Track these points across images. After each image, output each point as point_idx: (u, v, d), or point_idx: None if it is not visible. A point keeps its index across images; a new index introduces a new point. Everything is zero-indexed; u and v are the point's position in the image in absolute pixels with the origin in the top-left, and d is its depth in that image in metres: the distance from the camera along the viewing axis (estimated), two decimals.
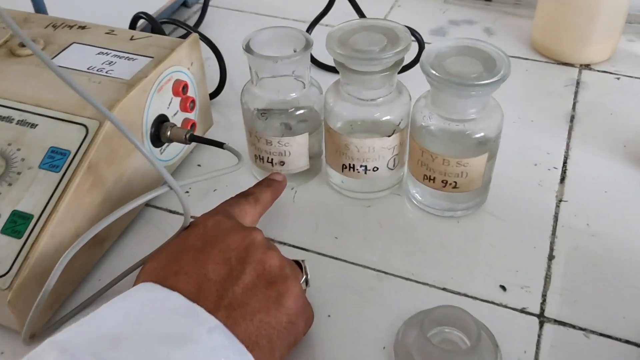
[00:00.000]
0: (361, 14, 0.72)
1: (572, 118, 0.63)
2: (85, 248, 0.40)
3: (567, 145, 0.60)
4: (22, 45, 0.51)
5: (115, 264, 0.49)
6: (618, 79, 0.69)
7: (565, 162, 0.58)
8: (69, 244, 0.41)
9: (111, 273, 0.48)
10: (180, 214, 0.53)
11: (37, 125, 0.46)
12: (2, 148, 0.45)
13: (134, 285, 0.38)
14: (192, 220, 0.43)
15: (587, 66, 0.70)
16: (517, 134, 0.60)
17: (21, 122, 0.46)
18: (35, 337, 0.42)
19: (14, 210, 0.42)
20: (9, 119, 0.46)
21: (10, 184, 0.43)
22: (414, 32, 0.66)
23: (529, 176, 0.56)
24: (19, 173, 0.44)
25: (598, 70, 0.70)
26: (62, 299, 0.45)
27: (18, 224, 0.42)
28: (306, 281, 0.43)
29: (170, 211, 0.54)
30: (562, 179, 0.56)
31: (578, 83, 0.68)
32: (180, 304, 0.35)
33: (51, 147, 0.45)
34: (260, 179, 0.52)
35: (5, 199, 0.43)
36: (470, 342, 0.40)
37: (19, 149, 0.45)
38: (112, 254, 0.50)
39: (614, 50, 0.71)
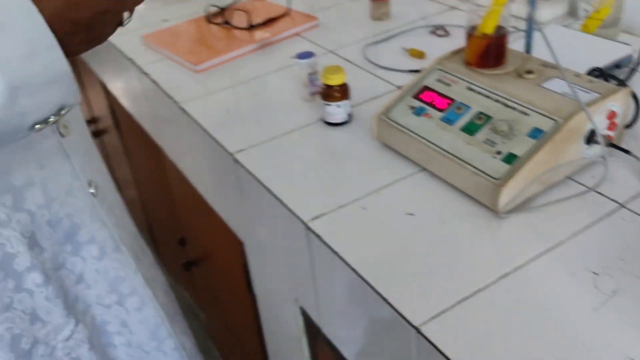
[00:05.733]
0: None
1: None
2: None
3: None
4: (528, 72, 0.92)
5: None
6: None
7: None
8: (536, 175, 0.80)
9: None
10: None
11: (528, 115, 0.86)
12: (509, 123, 0.86)
13: None
14: None
15: None
16: None
17: (520, 111, 0.87)
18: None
19: (509, 152, 0.83)
20: (512, 108, 0.87)
21: (509, 139, 0.84)
22: None
23: None
24: (514, 136, 0.84)
25: None
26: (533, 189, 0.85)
27: (511, 158, 0.83)
28: None
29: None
30: None
31: None
32: None
33: (534, 127, 0.84)
34: None
35: (505, 145, 0.84)
36: None
37: (512, 127, 0.85)
38: None
39: None
